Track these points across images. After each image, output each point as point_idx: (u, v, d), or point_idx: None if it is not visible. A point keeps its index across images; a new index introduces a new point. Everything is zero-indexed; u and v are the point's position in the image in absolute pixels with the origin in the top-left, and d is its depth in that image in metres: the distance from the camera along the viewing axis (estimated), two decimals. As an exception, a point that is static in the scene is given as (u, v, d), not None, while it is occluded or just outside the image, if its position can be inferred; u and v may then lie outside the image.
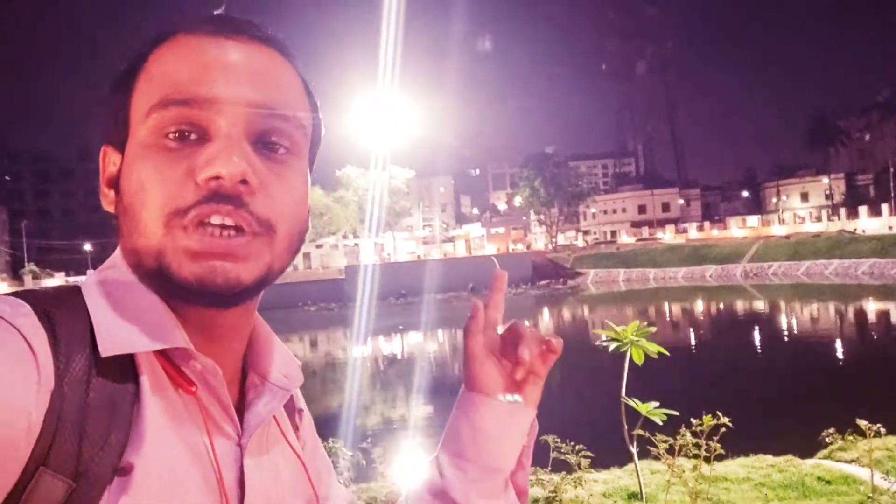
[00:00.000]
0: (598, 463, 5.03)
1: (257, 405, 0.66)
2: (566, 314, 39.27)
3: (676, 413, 3.76)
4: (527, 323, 0.73)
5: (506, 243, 73.91)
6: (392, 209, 62.86)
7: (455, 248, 72.10)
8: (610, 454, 5.17)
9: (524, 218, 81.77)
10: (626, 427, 3.98)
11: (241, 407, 0.66)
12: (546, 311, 39.95)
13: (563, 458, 3.93)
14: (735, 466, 5.00)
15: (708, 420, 3.42)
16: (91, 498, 0.51)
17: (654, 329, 3.90)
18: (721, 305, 37.45)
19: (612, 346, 3.92)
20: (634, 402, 3.74)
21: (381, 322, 33.77)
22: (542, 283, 55.32)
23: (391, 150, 58.23)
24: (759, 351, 22.16)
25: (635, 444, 3.97)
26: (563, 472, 4.14)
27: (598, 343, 5.29)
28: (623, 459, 4.87)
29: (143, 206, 0.59)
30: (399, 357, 26.61)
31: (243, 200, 0.58)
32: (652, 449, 3.74)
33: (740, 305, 37.29)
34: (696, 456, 3.45)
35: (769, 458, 5.17)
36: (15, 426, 0.49)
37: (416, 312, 40.05)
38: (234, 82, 0.60)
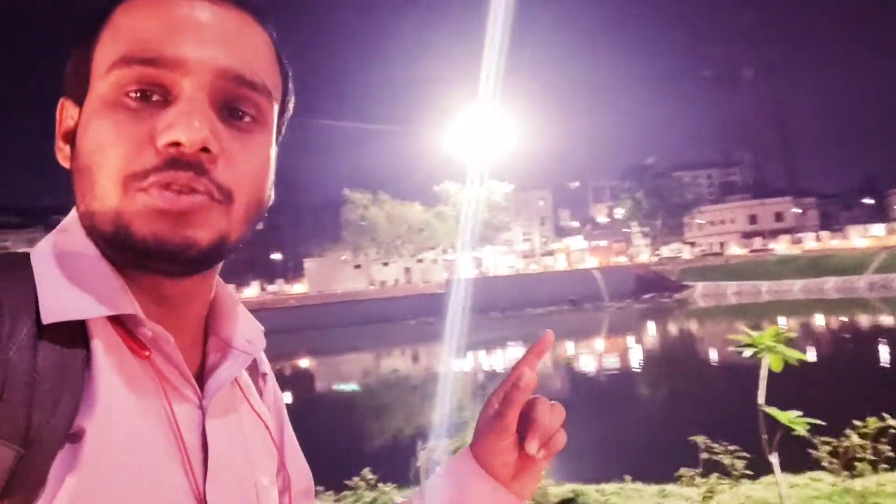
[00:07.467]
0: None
1: (219, 369, 0.66)
2: (672, 328, 37.84)
3: (823, 423, 3.50)
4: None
5: (608, 256, 72.35)
6: (491, 223, 63.03)
7: (555, 262, 71.27)
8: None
9: (626, 230, 79.83)
10: (765, 437, 3.75)
11: (203, 370, 0.66)
12: (651, 325, 38.68)
13: (715, 458, 3.74)
14: (885, 482, 4.59)
15: (873, 422, 3.17)
16: (42, 464, 0.50)
17: (794, 335, 3.66)
18: (845, 319, 35.01)
19: (748, 352, 3.72)
20: (774, 411, 3.51)
21: (481, 336, 33.76)
22: (647, 296, 53.52)
23: (490, 164, 58.49)
24: (890, 368, 20.54)
25: (776, 454, 3.73)
26: (716, 474, 3.96)
27: (731, 349, 5.04)
28: (756, 471, 4.58)
29: (100, 167, 0.56)
30: (500, 371, 26.46)
31: (204, 168, 0.56)
32: (813, 453, 3.49)
33: (866, 320, 34.71)
34: (861, 460, 3.20)
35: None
36: None
37: (516, 326, 39.79)
38: (203, 44, 0.57)
